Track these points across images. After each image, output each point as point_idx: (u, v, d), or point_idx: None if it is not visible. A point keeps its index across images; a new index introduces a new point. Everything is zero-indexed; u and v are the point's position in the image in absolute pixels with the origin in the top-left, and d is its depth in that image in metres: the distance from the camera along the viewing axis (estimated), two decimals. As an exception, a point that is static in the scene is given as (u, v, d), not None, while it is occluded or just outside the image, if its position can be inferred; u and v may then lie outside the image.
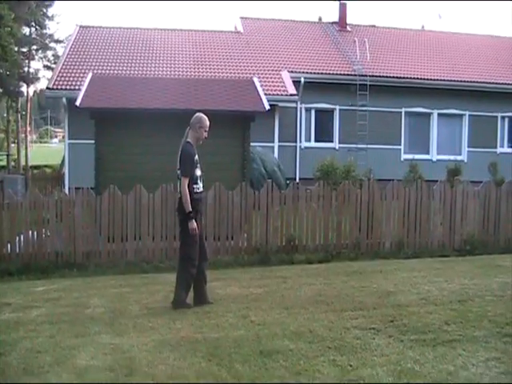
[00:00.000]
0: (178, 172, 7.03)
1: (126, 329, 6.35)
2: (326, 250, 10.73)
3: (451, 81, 23.43)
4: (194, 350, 5.57)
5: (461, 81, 23.55)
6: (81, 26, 23.80)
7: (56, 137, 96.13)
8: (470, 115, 24.07)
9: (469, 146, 24.12)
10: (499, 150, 24.35)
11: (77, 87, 17.67)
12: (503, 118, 24.56)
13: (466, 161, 23.38)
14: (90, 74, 14.00)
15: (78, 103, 12.11)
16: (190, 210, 6.90)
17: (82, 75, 18.76)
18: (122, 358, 5.43)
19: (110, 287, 8.53)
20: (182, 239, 7.21)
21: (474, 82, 23.65)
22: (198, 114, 7.37)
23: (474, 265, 10.02)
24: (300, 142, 21.70)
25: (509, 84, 23.99)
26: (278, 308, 7.06)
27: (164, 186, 10.48)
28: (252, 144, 13.23)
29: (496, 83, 23.86)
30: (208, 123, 7.29)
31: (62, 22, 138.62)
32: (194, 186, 7.06)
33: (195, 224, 6.98)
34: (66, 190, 16.23)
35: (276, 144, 19.75)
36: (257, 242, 10.74)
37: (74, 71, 19.81)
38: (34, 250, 10.27)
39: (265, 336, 5.94)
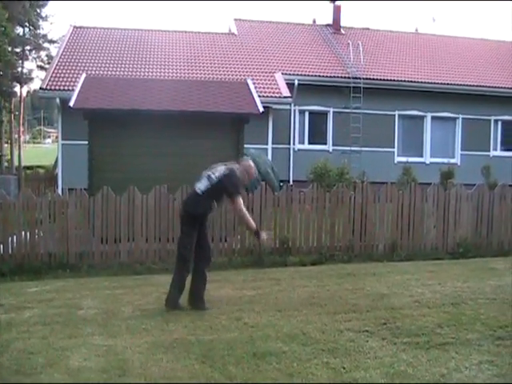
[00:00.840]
0: (205, 186, 7.13)
1: (119, 330, 6.35)
2: (320, 252, 10.73)
3: (445, 84, 23.50)
4: (188, 352, 5.56)
5: (454, 84, 23.62)
6: (74, 27, 23.75)
7: (49, 137, 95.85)
8: (463, 118, 24.14)
9: (462, 149, 24.19)
10: (492, 153, 24.43)
11: (70, 88, 17.63)
12: (496, 121, 24.63)
13: (459, 164, 23.44)
14: (83, 75, 13.98)
15: (71, 104, 12.08)
16: (256, 227, 7.24)
17: (75, 76, 18.71)
18: (114, 359, 5.42)
19: (103, 288, 8.52)
20: (180, 240, 7.24)
21: (467, 85, 23.72)
22: (250, 162, 7.50)
23: (467, 268, 10.05)
24: (294, 144, 21.71)
25: (502, 87, 24.09)
26: (272, 310, 7.06)
27: (157, 188, 10.46)
28: (246, 146, 13.22)
29: (489, 86, 23.94)
30: (255, 175, 7.55)
31: (56, 23, 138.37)
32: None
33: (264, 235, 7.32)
34: (59, 191, 16.18)
35: (270, 146, 19.75)
36: (250, 243, 10.72)
37: (68, 72, 19.77)
38: (27, 251, 10.23)
39: (258, 338, 5.94)
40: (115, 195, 10.34)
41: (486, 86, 23.90)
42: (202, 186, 7.13)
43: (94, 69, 20.15)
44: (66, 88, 18.40)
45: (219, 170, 7.21)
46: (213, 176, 7.13)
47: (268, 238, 7.22)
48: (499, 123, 24.77)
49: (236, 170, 7.24)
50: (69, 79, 19.12)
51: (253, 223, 7.11)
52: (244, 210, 7.08)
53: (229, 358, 5.37)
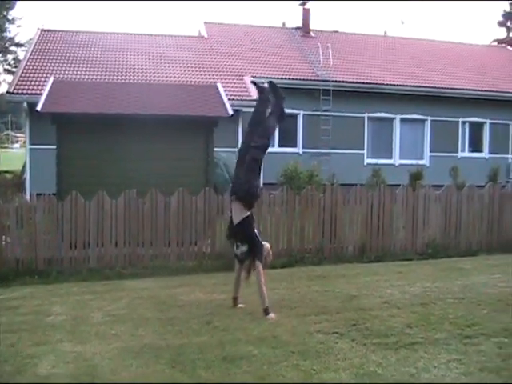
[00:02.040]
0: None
1: (89, 336, 6.29)
2: (290, 254, 10.75)
3: (414, 86, 23.73)
4: (158, 357, 5.54)
5: (423, 86, 23.87)
6: (42, 30, 23.50)
7: (17, 142, 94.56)
8: (431, 120, 24.41)
9: (431, 151, 24.46)
10: (460, 154, 24.74)
11: (38, 92, 17.43)
12: (464, 122, 24.97)
13: (427, 165, 23.69)
14: (51, 79, 13.84)
15: (38, 108, 11.94)
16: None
17: (43, 79, 18.52)
18: (84, 365, 5.38)
19: (72, 294, 8.43)
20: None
21: (436, 87, 23.99)
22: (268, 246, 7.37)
23: (436, 268, 10.16)
24: (264, 146, 21.67)
25: (470, 89, 24.40)
26: (242, 313, 7.06)
27: (127, 192, 10.39)
28: (216, 149, 13.19)
29: (458, 89, 24.24)
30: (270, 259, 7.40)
31: (24, 26, 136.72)
32: None
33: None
34: (28, 196, 15.99)
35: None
36: (221, 247, 10.70)
37: (36, 75, 19.55)
38: (-6, 258, 10.07)
39: (228, 342, 5.93)
40: (84, 200, 10.25)
41: (454, 88, 24.20)
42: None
43: (62, 72, 19.96)
44: (33, 92, 18.19)
45: None
46: None
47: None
48: (467, 125, 25.10)
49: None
50: (36, 83, 18.91)
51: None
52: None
53: (199, 362, 5.36)
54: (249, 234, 7.06)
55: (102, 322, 6.85)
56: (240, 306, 7.29)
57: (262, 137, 7.18)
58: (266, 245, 7.28)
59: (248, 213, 7.06)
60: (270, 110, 7.52)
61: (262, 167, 7.29)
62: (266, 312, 6.81)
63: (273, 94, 7.52)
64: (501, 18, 47.96)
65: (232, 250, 10.06)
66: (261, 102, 7.61)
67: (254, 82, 7.84)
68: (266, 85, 7.68)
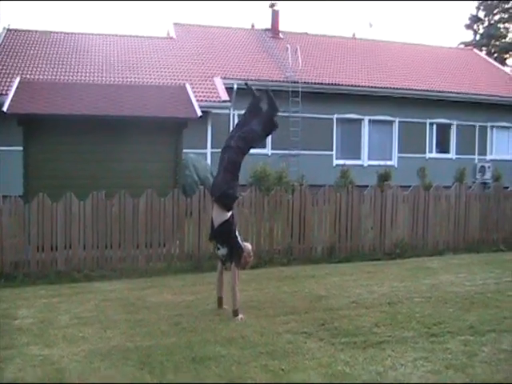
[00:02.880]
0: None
1: (56, 339, 6.24)
2: (259, 255, 10.72)
3: (382, 88, 23.94)
4: (126, 359, 5.52)
5: (391, 88, 24.10)
6: (8, 29, 23.19)
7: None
8: (400, 121, 24.65)
9: (399, 152, 24.70)
10: (428, 155, 25.03)
11: (4, 92, 17.23)
12: (431, 124, 25.26)
13: (396, 166, 23.93)
14: (17, 79, 13.66)
15: (4, 109, 11.77)
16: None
17: (9, 80, 18.30)
18: (51, 369, 5.34)
19: (40, 297, 8.34)
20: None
21: (403, 89, 24.23)
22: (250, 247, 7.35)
23: (404, 267, 10.27)
24: (233, 148, 21.65)
25: (437, 91, 24.70)
26: (210, 314, 7.08)
27: (95, 194, 10.30)
28: (185, 151, 13.16)
29: (425, 90, 24.54)
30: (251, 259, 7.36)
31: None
32: None
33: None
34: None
35: (209, 150, 19.73)
36: (189, 248, 10.68)
37: (1, 76, 19.30)
38: (-41, 261, 9.89)
39: (197, 343, 5.94)
40: (51, 202, 10.14)
41: (421, 90, 24.48)
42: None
43: (29, 73, 19.74)
44: (-1, 93, 17.95)
45: None
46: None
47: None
48: (434, 126, 25.40)
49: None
50: (2, 83, 18.67)
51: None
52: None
53: (167, 364, 5.35)
54: (229, 238, 7.06)
55: (70, 325, 6.80)
56: (225, 307, 7.25)
57: (241, 139, 7.13)
58: (248, 246, 7.29)
59: (228, 215, 7.04)
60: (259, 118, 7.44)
61: (239, 169, 7.23)
62: (236, 313, 6.83)
63: (268, 103, 7.48)
64: (468, 21, 48.59)
65: (200, 251, 10.12)
66: (251, 107, 7.58)
67: (249, 87, 7.76)
68: (255, 91, 7.63)
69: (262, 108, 7.54)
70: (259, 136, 7.43)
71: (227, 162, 7.04)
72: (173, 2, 72.78)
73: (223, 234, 7.07)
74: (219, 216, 7.04)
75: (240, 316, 6.80)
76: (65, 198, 10.17)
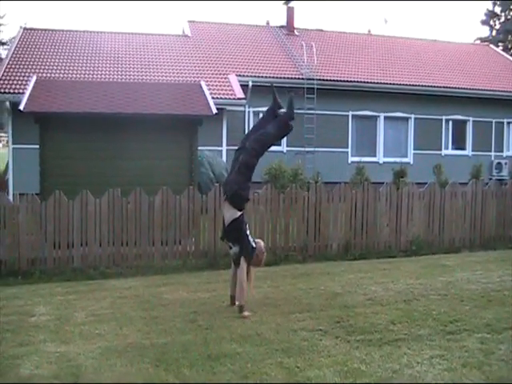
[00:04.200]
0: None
1: (72, 336, 6.27)
2: (274, 252, 10.74)
3: (397, 84, 23.83)
4: (142, 356, 5.54)
5: (406, 84, 23.98)
6: (25, 29, 23.34)
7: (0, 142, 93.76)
8: (415, 118, 24.52)
9: (414, 149, 24.58)
10: (444, 151, 24.88)
11: (21, 91, 17.32)
12: (447, 120, 25.10)
13: (411, 163, 23.80)
14: (34, 78, 13.76)
15: (21, 107, 11.86)
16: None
17: (26, 78, 18.40)
18: (67, 365, 5.36)
19: (56, 294, 8.39)
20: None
21: (419, 85, 24.11)
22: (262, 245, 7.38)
23: (420, 265, 10.23)
24: (248, 145, 21.64)
25: (453, 87, 24.55)
26: (226, 312, 7.08)
27: (111, 191, 10.34)
28: (200, 148, 13.19)
29: (441, 87, 24.38)
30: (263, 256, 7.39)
31: (6, 24, 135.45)
32: None
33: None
34: (10, 197, 15.89)
35: (224, 148, 19.73)
36: (205, 246, 10.70)
37: (18, 74, 19.41)
38: (-23, 258, 9.97)
39: (212, 340, 5.94)
40: (67, 199, 10.19)
41: (437, 86, 24.33)
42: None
43: (46, 71, 19.84)
44: (16, 91, 18.05)
45: None
46: None
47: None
48: (450, 123, 25.24)
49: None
50: (19, 82, 18.77)
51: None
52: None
53: (183, 361, 5.36)
54: (239, 236, 7.08)
55: (86, 322, 6.83)
56: (237, 303, 7.22)
57: (256, 141, 7.18)
58: (260, 243, 7.32)
59: (238, 214, 7.08)
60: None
61: (253, 171, 7.29)
62: (241, 309, 6.87)
63: (287, 106, 7.48)
64: (484, 17, 48.25)
65: (215, 249, 10.14)
66: (270, 111, 7.65)
67: (273, 89, 7.78)
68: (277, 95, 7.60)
69: (281, 112, 7.54)
70: (274, 138, 7.49)
71: (241, 164, 7.09)
72: (188, 0, 72.93)
73: (234, 232, 7.11)
74: (229, 214, 7.10)
75: (245, 313, 6.82)
76: (81, 195, 10.22)
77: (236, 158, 7.25)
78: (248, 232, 7.23)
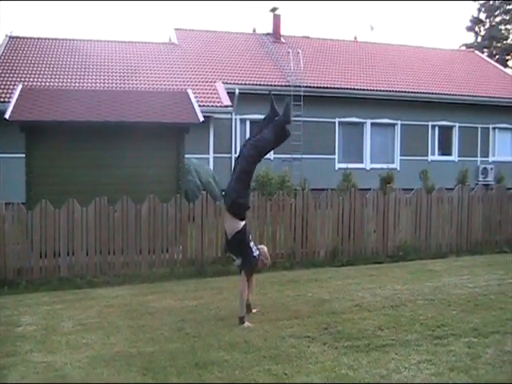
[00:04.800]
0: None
1: (59, 346, 6.24)
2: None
3: (383, 91, 23.96)
4: (129, 365, 5.52)
5: (393, 91, 24.11)
6: (10, 37, 23.27)
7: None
8: (402, 124, 24.65)
9: (401, 155, 24.71)
10: (430, 157, 25.02)
11: (6, 99, 17.28)
12: (433, 126, 25.25)
13: (398, 169, 23.92)
14: (19, 86, 13.70)
15: (7, 116, 11.80)
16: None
17: (11, 87, 18.35)
18: (54, 375, 5.34)
19: (43, 304, 8.34)
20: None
21: (405, 91, 24.25)
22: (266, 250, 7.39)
23: (407, 270, 10.26)
24: (235, 153, 21.69)
25: (438, 93, 24.70)
26: (214, 319, 7.07)
27: (97, 200, 10.31)
28: (187, 156, 13.18)
29: (426, 93, 24.54)
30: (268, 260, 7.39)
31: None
32: None
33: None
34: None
35: (211, 155, 19.76)
36: (192, 253, 10.68)
37: (4, 83, 19.35)
38: (-39, 269, 9.88)
39: (200, 348, 5.93)
40: (54, 208, 10.15)
41: (423, 93, 24.48)
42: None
43: (32, 80, 19.80)
44: (1, 100, 18.00)
45: None
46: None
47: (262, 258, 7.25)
48: (436, 128, 25.39)
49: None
50: (4, 91, 18.72)
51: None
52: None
53: (170, 369, 5.35)
54: (242, 247, 7.04)
55: (73, 331, 6.80)
56: (254, 311, 7.26)
57: (253, 147, 7.11)
58: (264, 249, 7.33)
59: (241, 224, 7.00)
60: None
61: (251, 178, 7.26)
62: (242, 321, 6.80)
63: (283, 112, 7.38)
64: (469, 23, 48.63)
65: (203, 256, 10.10)
66: (267, 119, 7.54)
67: (270, 98, 7.73)
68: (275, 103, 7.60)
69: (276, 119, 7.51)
70: (271, 143, 7.31)
71: (239, 171, 7.04)
72: (174, 7, 72.96)
73: (237, 245, 7.05)
74: (232, 226, 7.02)
75: (246, 324, 6.77)
76: (67, 204, 10.18)
77: (236, 165, 7.20)
78: (251, 242, 7.19)
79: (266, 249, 7.37)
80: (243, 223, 7.03)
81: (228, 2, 77.15)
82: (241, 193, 7.01)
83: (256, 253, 7.10)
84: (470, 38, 48.85)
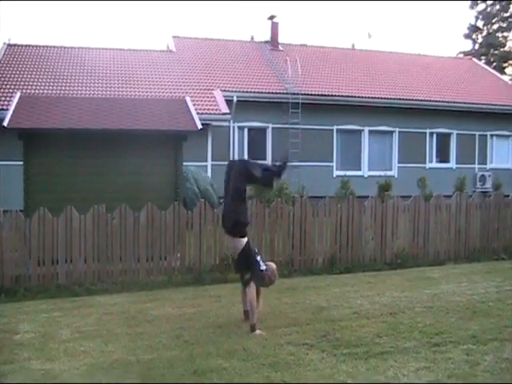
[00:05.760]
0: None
1: (57, 353, 6.23)
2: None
3: (381, 98, 23.99)
4: (127, 373, 5.52)
5: (390, 98, 24.14)
6: (8, 45, 23.29)
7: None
8: (399, 132, 24.68)
9: (399, 162, 24.72)
10: (428, 165, 25.04)
11: (4, 107, 17.29)
12: (431, 133, 25.28)
13: (396, 176, 23.92)
14: (18, 94, 13.71)
15: (5, 123, 11.80)
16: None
17: (10, 95, 18.36)
18: (52, 383, 5.31)
19: (41, 311, 8.33)
20: None
21: (403, 99, 24.26)
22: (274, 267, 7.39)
23: (405, 278, 10.26)
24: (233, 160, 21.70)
25: (436, 101, 24.75)
26: (212, 327, 7.06)
27: (96, 207, 10.31)
28: (185, 163, 13.19)
29: (424, 100, 24.57)
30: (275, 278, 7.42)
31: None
32: None
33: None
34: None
35: (209, 163, 19.76)
36: (190, 261, 10.67)
37: (2, 91, 19.37)
38: (-41, 276, 9.86)
39: (198, 355, 5.92)
40: (52, 216, 10.14)
41: (421, 100, 24.51)
42: None
43: (29, 88, 19.81)
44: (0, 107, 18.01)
45: None
46: None
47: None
48: (434, 136, 25.42)
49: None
50: (2, 98, 18.74)
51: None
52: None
53: (169, 377, 5.35)
54: (249, 264, 7.05)
55: (71, 339, 6.79)
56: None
57: (244, 167, 7.23)
58: (272, 266, 7.30)
59: (244, 241, 7.04)
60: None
61: (245, 192, 7.28)
62: (253, 328, 6.77)
63: (280, 165, 7.52)
64: (466, 31, 48.76)
65: (201, 264, 10.10)
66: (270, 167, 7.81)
67: (286, 157, 8.07)
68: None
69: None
70: (254, 179, 7.41)
71: (233, 191, 7.07)
72: (172, 15, 73.08)
73: (244, 261, 7.06)
74: (236, 246, 7.08)
75: (258, 331, 6.74)
76: (65, 211, 10.18)
77: (226, 186, 7.25)
78: (258, 256, 7.23)
79: (274, 266, 7.35)
80: (245, 240, 7.07)
81: (226, 10, 77.32)
82: (239, 210, 7.08)
83: (263, 267, 7.11)
84: (468, 45, 48.83)
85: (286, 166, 7.48)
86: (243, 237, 7.06)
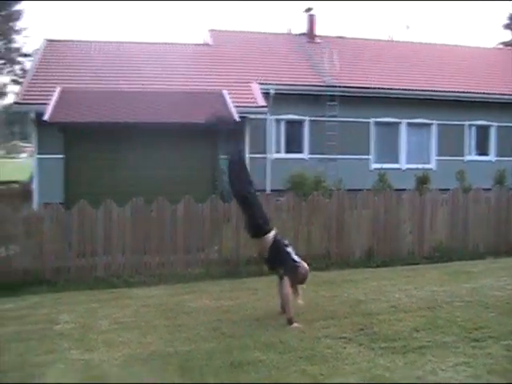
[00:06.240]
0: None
1: (96, 344, 6.31)
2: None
3: (419, 90, 23.70)
4: (165, 364, 5.56)
5: (428, 90, 23.84)
6: (48, 40, 23.62)
7: (24, 152, 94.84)
8: (437, 124, 24.37)
9: (437, 155, 24.42)
10: (466, 157, 24.69)
11: (45, 101, 17.51)
12: (470, 126, 24.90)
13: (434, 169, 23.65)
14: (58, 88, 13.93)
15: (46, 118, 12.02)
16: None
17: (50, 89, 18.55)
18: (91, 373, 5.39)
19: (80, 303, 8.45)
20: None
21: (441, 91, 23.95)
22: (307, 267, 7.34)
23: (443, 272, 10.14)
24: (270, 153, 21.78)
25: (475, 93, 24.36)
26: (249, 319, 7.08)
27: (134, 200, 10.41)
28: (223, 156, 13.23)
29: (463, 92, 24.20)
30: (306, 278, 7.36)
31: (30, 36, 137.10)
32: None
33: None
34: (35, 206, 16.06)
35: (247, 156, 19.76)
36: (227, 254, 10.71)
37: (43, 85, 19.62)
38: (2, 268, 10.08)
39: (236, 348, 5.94)
40: (92, 208, 10.28)
41: (459, 92, 24.15)
42: None
43: (69, 82, 20.00)
44: (40, 102, 18.19)
45: None
46: None
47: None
48: (473, 128, 25.04)
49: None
50: (43, 93, 18.93)
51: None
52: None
53: (206, 369, 5.37)
54: (281, 258, 7.04)
55: (110, 330, 6.88)
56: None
57: (240, 169, 7.66)
58: (305, 266, 7.25)
59: (270, 238, 7.04)
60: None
61: (257, 197, 7.42)
62: (290, 322, 6.77)
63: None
64: (506, 21, 47.91)
65: (238, 257, 10.16)
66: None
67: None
68: None
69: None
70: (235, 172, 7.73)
71: (247, 201, 7.22)
72: (208, 9, 73.36)
73: (276, 257, 7.05)
74: (263, 244, 7.09)
75: (295, 324, 6.73)
76: (104, 204, 10.30)
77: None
78: (289, 247, 7.20)
79: (306, 266, 7.29)
80: (271, 234, 7.06)
81: (262, 3, 77.21)
82: (257, 216, 7.11)
83: (296, 257, 7.11)
84: (508, 35, 48.03)
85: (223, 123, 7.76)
86: (268, 233, 7.05)
